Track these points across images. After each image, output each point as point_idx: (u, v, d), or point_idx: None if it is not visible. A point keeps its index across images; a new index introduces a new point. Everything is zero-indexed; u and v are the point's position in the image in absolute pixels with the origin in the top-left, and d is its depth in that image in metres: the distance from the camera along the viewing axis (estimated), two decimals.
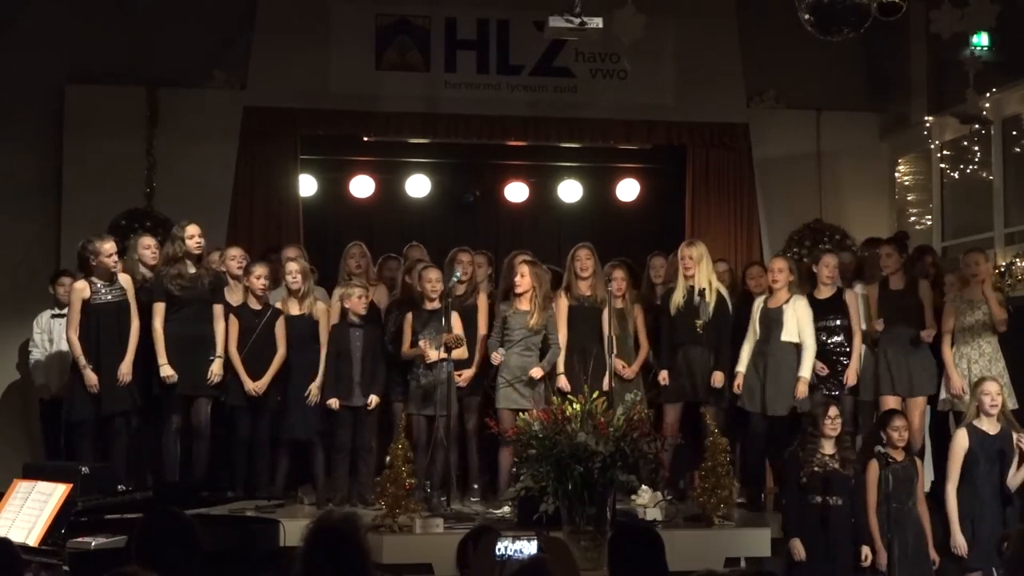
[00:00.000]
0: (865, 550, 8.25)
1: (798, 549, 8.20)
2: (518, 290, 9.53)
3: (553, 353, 9.54)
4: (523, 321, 9.48)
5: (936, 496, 8.87)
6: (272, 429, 9.56)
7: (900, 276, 9.82)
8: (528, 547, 7.05)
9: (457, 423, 9.70)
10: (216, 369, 9.39)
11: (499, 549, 6.98)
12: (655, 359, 10.04)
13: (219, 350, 9.43)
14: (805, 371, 9.50)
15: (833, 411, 8.42)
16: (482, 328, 9.81)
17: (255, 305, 9.62)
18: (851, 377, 9.71)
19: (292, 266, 9.76)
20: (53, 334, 10.19)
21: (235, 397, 9.50)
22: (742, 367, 9.63)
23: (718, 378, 9.67)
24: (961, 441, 8.42)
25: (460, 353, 9.47)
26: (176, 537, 4.63)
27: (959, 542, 8.27)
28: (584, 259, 9.91)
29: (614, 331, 9.65)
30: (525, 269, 9.56)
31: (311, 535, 4.31)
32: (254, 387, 9.41)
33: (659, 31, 11.76)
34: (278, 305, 9.71)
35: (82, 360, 9.08)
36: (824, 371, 9.66)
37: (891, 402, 9.54)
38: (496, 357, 9.49)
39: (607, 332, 9.54)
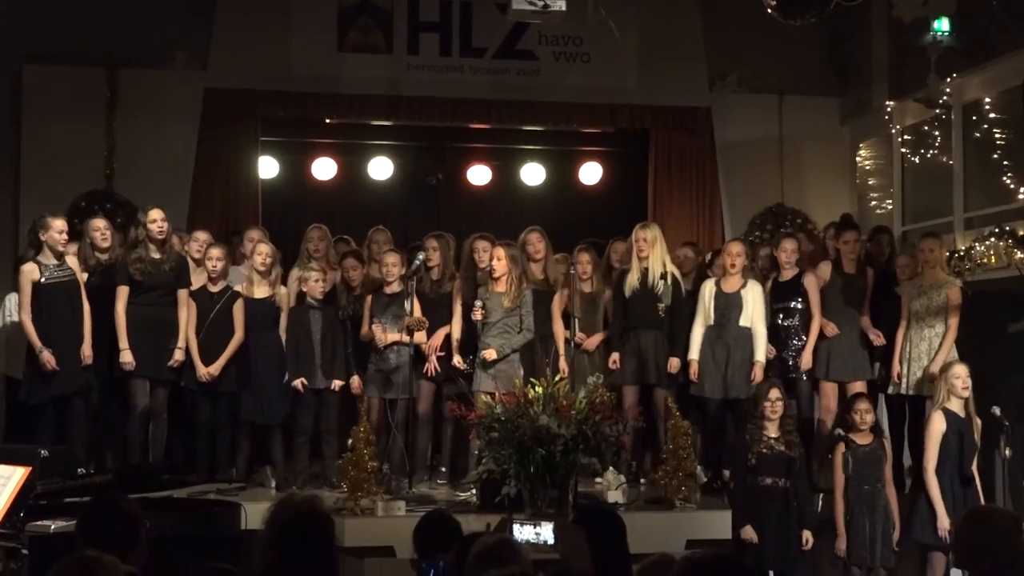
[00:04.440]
0: (806, 534, 8.32)
1: (750, 534, 8.25)
2: (496, 274, 9.49)
3: (522, 338, 9.51)
4: (499, 303, 9.47)
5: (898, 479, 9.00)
6: (232, 413, 9.53)
7: (854, 261, 9.96)
8: (545, 532, 7.13)
9: (430, 406, 9.73)
10: (178, 357, 9.38)
11: (516, 533, 7.04)
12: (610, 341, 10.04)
13: (180, 340, 9.42)
14: (760, 355, 9.56)
15: (774, 393, 8.46)
16: (456, 314, 9.78)
17: (212, 287, 9.59)
18: (806, 360, 9.78)
19: (263, 248, 9.72)
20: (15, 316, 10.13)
21: (192, 381, 9.48)
22: (695, 354, 9.62)
23: (674, 364, 9.67)
24: (938, 424, 8.49)
25: (420, 336, 9.47)
26: (118, 525, 4.63)
27: (945, 524, 8.28)
28: (536, 242, 9.93)
29: (582, 313, 9.76)
30: (502, 252, 9.54)
31: (273, 518, 4.29)
32: (206, 372, 9.38)
33: (622, 14, 11.75)
34: (239, 288, 9.67)
35: (37, 344, 9.06)
36: (772, 353, 9.72)
37: (828, 387, 9.68)
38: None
39: (557, 315, 9.69)
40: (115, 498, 4.88)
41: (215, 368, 9.41)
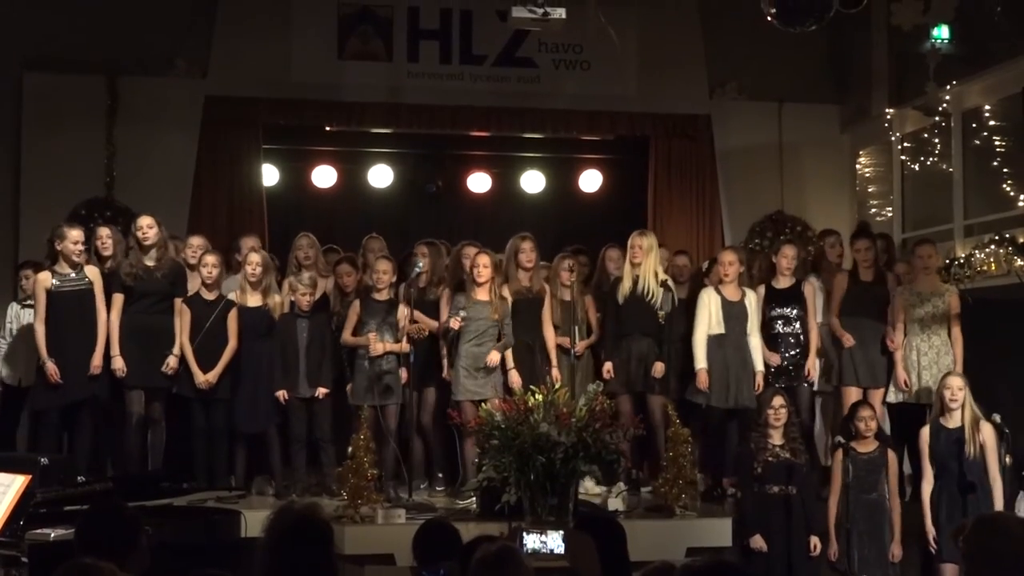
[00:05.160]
0: (814, 540, 8.32)
1: (759, 543, 8.25)
2: (479, 280, 9.50)
3: (506, 343, 9.51)
4: (481, 312, 9.46)
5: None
6: (228, 420, 9.52)
7: (871, 269, 9.91)
8: (551, 540, 7.13)
9: (417, 413, 9.72)
10: (172, 364, 9.38)
11: (527, 543, 7.04)
12: (603, 350, 10.02)
13: (176, 347, 9.41)
14: (760, 364, 9.57)
15: (777, 401, 8.46)
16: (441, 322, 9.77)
17: (207, 295, 9.57)
18: (812, 371, 9.78)
19: (254, 257, 9.71)
20: (21, 323, 10.10)
21: (187, 388, 9.47)
22: (704, 362, 9.59)
23: (659, 368, 9.64)
24: (923, 437, 8.51)
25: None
26: (117, 532, 4.62)
27: (929, 537, 8.33)
28: (529, 251, 9.90)
29: (559, 321, 9.79)
30: (486, 260, 9.54)
31: (273, 525, 4.28)
32: (205, 379, 9.37)
33: (622, 22, 11.76)
34: (233, 295, 9.65)
35: (43, 354, 9.09)
36: (775, 360, 9.71)
37: (853, 393, 9.61)
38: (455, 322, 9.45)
39: (548, 322, 9.67)
40: (115, 505, 4.87)
41: (213, 376, 9.40)
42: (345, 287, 10.08)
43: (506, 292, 9.64)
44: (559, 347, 9.86)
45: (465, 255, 9.88)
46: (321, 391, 9.53)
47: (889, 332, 9.74)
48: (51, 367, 9.05)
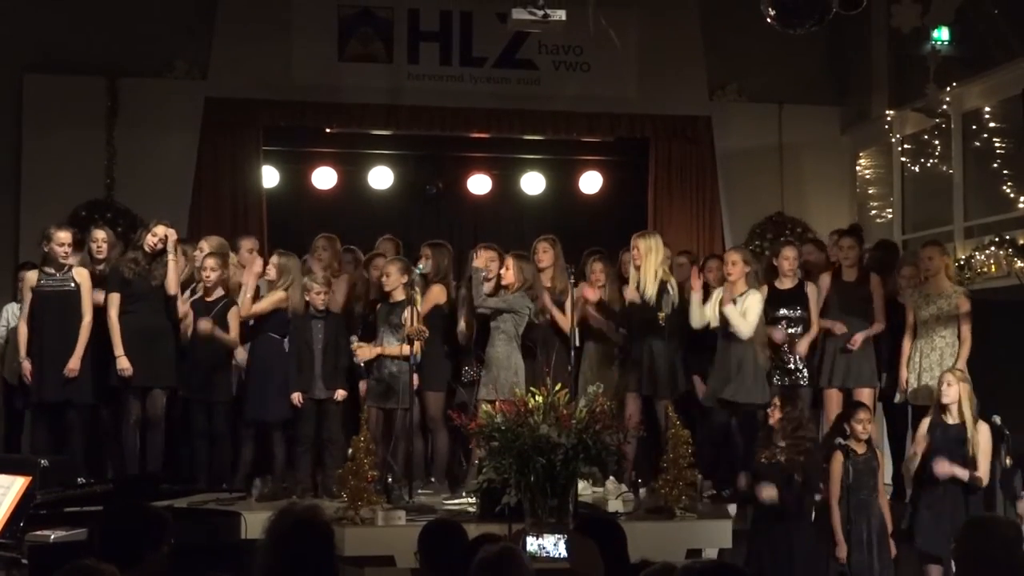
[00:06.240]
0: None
1: (770, 493, 8.07)
2: (504, 282, 9.53)
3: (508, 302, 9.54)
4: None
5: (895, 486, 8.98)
6: (229, 422, 9.51)
7: (854, 269, 9.89)
8: (548, 543, 7.12)
9: (423, 415, 9.73)
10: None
11: (530, 547, 7.03)
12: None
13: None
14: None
15: (775, 400, 8.44)
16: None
17: (208, 297, 9.54)
18: (803, 347, 9.69)
19: (271, 259, 9.80)
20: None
21: (188, 390, 9.48)
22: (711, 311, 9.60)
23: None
24: (920, 430, 8.49)
25: (420, 347, 9.46)
26: (144, 530, 4.61)
27: (907, 478, 8.37)
28: (541, 252, 9.93)
29: (600, 324, 9.88)
30: (511, 262, 9.58)
31: (274, 527, 4.29)
32: (206, 324, 9.25)
33: (622, 23, 11.77)
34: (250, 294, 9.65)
35: (21, 352, 9.18)
36: (779, 337, 9.68)
37: (834, 396, 9.62)
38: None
39: (570, 324, 9.60)
40: (142, 505, 4.86)
41: (213, 327, 9.29)
42: (384, 288, 9.99)
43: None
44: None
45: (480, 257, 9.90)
46: (340, 394, 9.53)
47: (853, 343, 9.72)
48: (26, 366, 9.13)
